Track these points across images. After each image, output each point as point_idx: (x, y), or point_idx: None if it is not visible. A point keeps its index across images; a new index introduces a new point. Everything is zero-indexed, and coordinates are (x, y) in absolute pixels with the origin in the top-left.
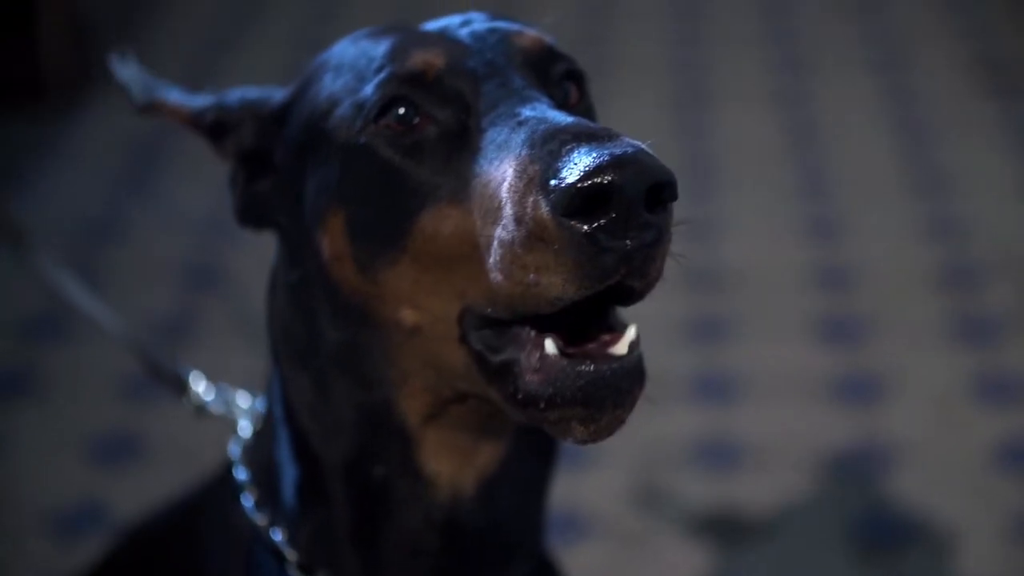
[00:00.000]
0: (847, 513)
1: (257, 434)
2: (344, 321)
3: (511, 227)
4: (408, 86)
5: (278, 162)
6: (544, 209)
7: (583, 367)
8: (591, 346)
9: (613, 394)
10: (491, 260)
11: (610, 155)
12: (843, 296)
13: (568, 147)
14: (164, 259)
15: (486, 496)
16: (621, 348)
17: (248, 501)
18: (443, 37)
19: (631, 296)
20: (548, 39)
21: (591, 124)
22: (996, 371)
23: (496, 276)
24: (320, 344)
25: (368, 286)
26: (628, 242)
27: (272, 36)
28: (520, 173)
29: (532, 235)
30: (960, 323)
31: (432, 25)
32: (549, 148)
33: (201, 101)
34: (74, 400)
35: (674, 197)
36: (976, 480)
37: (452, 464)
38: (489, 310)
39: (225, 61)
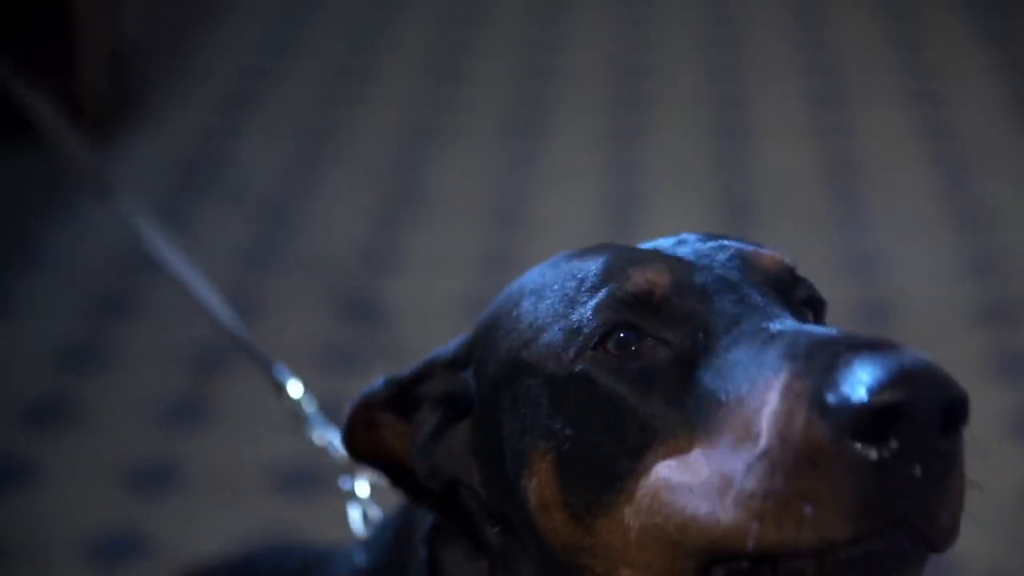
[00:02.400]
0: None
1: None
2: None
3: (776, 451)
4: (632, 309)
5: (463, 407)
6: (822, 429)
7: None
8: None
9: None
10: (738, 492)
11: (900, 367)
12: (882, 331)
13: (845, 358)
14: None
15: None
16: None
17: None
18: (661, 255)
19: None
20: (788, 259)
21: (863, 335)
22: None
23: (739, 515)
24: None
25: (581, 537)
26: (918, 468)
27: (310, 67)
28: (786, 392)
29: (804, 458)
30: (998, 359)
31: (644, 246)
32: (819, 362)
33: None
34: (111, 428)
35: (967, 419)
36: (1013, 515)
37: None
38: (738, 556)
39: (263, 91)
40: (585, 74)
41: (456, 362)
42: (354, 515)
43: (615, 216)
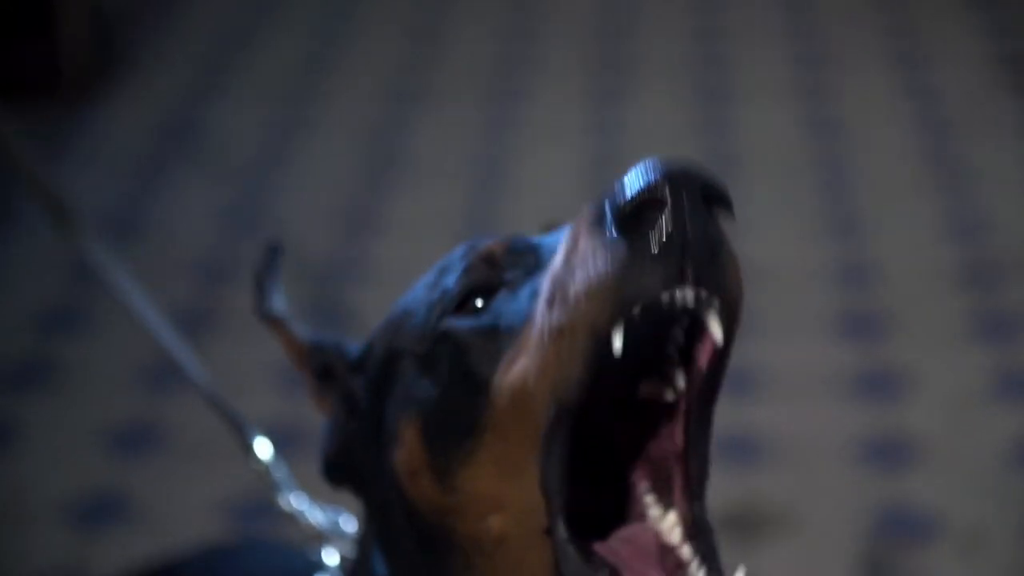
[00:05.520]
0: (866, 508)
1: None
2: (426, 551)
3: (559, 266)
4: (479, 273)
5: (360, 408)
6: (593, 229)
7: None
8: None
9: None
10: (542, 319)
11: (656, 165)
12: (864, 292)
13: (619, 181)
14: (182, 252)
15: None
16: None
17: None
18: (501, 237)
19: (721, 352)
20: None
21: None
22: (1016, 368)
23: (546, 335)
24: None
25: (447, 497)
26: (688, 228)
27: (289, 30)
28: (575, 226)
29: (582, 256)
30: (981, 320)
31: None
32: (602, 196)
33: (306, 335)
34: (91, 391)
35: (727, 206)
36: (995, 476)
37: None
38: (556, 397)
39: (242, 55)
40: (567, 35)
41: (355, 367)
42: None
43: (597, 177)
